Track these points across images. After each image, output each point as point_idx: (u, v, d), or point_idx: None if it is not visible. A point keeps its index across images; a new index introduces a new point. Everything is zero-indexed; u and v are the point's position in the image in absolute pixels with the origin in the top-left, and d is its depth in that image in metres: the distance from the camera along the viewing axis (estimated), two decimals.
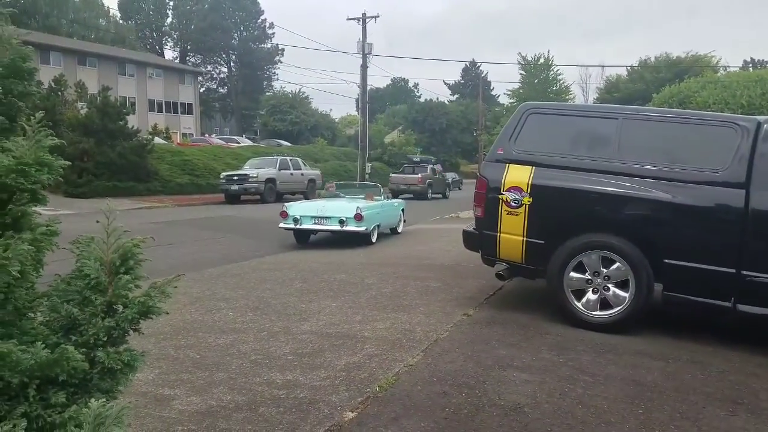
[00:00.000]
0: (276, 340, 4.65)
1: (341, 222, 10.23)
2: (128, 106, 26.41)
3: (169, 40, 67.75)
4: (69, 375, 1.17)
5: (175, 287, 1.42)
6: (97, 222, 1.46)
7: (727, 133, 4.77)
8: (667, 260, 4.65)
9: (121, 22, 62.61)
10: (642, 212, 4.83)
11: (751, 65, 46.07)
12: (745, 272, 4.41)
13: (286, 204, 10.93)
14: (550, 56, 47.53)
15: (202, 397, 3.49)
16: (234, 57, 67.37)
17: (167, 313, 1.40)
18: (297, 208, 10.75)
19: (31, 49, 1.86)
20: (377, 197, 12.35)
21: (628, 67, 47.31)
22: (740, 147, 4.65)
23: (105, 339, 1.30)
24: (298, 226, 10.42)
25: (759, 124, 4.74)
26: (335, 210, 10.49)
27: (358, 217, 10.20)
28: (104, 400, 1.14)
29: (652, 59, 46.09)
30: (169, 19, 66.79)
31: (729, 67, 39.42)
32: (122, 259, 1.39)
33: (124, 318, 1.32)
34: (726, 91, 15.01)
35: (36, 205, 1.29)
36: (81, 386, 1.23)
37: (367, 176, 36.21)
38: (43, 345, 1.17)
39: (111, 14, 61.46)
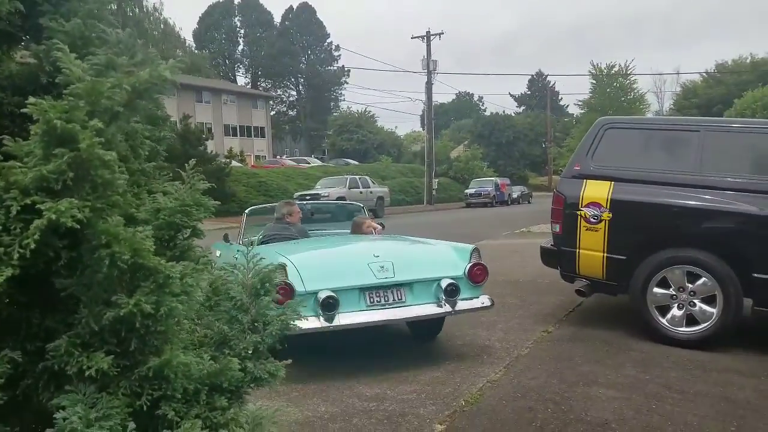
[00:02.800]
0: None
1: (450, 292, 4.34)
2: (206, 132, 27.87)
3: (240, 66, 70.95)
4: (229, 383, 1.40)
5: (305, 306, 1.63)
6: (238, 251, 1.70)
7: None
8: (756, 274, 4.54)
9: (196, 51, 66.11)
10: (728, 226, 4.74)
11: None
12: None
13: (281, 258, 4.07)
14: (629, 63, 44.94)
15: (299, 407, 3.73)
16: (302, 80, 69.62)
17: (301, 329, 1.62)
18: (313, 265, 4.36)
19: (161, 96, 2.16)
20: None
21: (703, 74, 45.12)
22: None
23: (251, 352, 1.52)
24: (330, 323, 3.99)
25: None
26: (414, 263, 4.59)
27: (479, 275, 4.54)
28: (260, 403, 1.35)
29: (730, 62, 43.84)
30: (240, 47, 70.01)
31: None
32: (261, 282, 1.62)
33: (268, 334, 1.54)
34: None
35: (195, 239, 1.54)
36: (236, 393, 1.45)
37: (434, 192, 36.38)
38: (208, 357, 1.40)
39: (187, 44, 65.06)
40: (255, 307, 1.58)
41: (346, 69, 67.85)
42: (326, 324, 3.95)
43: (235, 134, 50.80)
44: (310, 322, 3.85)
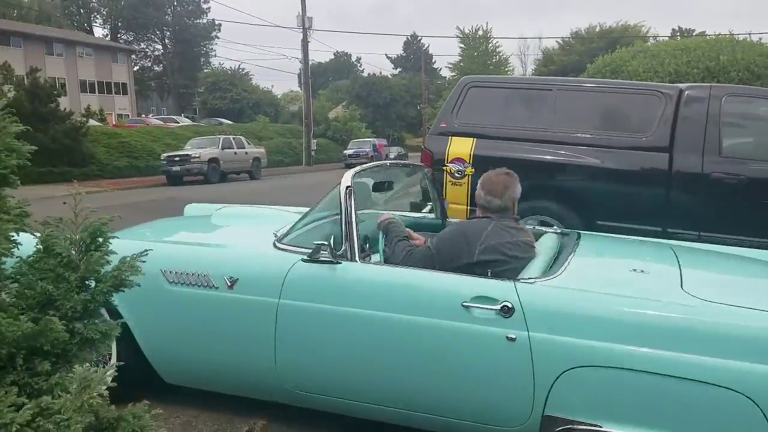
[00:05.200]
0: None
1: None
2: (59, 88, 25.21)
3: (98, 16, 64.65)
4: (52, 345, 1.27)
5: (144, 261, 1.52)
6: (64, 203, 1.53)
7: (652, 100, 5.11)
8: (600, 222, 4.98)
9: None
10: (576, 178, 5.13)
11: (679, 34, 47.92)
12: (671, 230, 4.79)
13: None
14: (489, 28, 48.19)
15: None
16: (168, 33, 64.99)
17: (139, 285, 1.51)
18: None
19: None
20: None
21: (559, 40, 48.37)
22: (664, 113, 5.00)
23: (81, 312, 1.39)
24: None
25: (681, 91, 5.09)
26: None
27: None
28: (88, 365, 1.24)
29: (583, 31, 47.32)
30: None
31: (658, 36, 40.96)
32: (92, 237, 1.47)
33: (99, 291, 1.41)
34: (655, 60, 15.65)
35: (7, 189, 1.36)
36: (62, 356, 1.33)
37: (313, 153, 36.02)
38: (27, 318, 1.26)
39: None
40: (84, 263, 1.44)
41: (216, 22, 64.37)
42: None
43: (93, 91, 46.52)
44: None
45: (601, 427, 2.13)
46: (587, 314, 2.19)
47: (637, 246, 3.46)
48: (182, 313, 2.76)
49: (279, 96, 63.32)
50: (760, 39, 18.04)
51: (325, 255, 2.55)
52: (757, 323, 2.09)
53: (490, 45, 47.84)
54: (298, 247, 2.74)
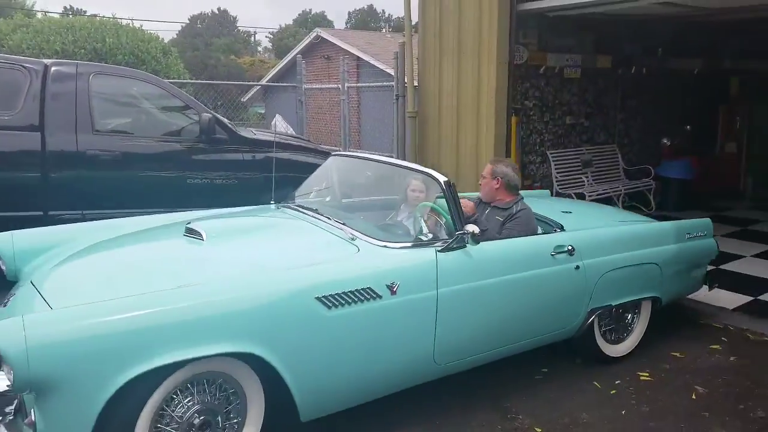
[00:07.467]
0: None
1: None
2: None
3: None
4: None
5: None
6: None
7: (17, 75, 4.69)
8: None
9: None
10: None
11: (70, 13, 46.84)
12: (53, 213, 4.58)
13: None
14: None
15: None
16: None
17: None
18: None
19: None
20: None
21: None
22: (30, 89, 4.66)
23: None
24: None
25: (46, 67, 4.83)
26: None
27: None
28: None
29: None
30: None
31: (49, 12, 38.93)
32: None
33: None
34: (40, 37, 14.79)
35: None
36: None
37: None
38: None
39: None
40: None
41: None
42: None
43: None
44: None
45: (612, 304, 3.67)
46: (599, 242, 3.65)
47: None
48: (343, 335, 2.64)
49: None
50: (141, 26, 19.39)
51: (457, 242, 2.96)
52: (648, 226, 4.16)
53: None
54: (403, 242, 3.03)
